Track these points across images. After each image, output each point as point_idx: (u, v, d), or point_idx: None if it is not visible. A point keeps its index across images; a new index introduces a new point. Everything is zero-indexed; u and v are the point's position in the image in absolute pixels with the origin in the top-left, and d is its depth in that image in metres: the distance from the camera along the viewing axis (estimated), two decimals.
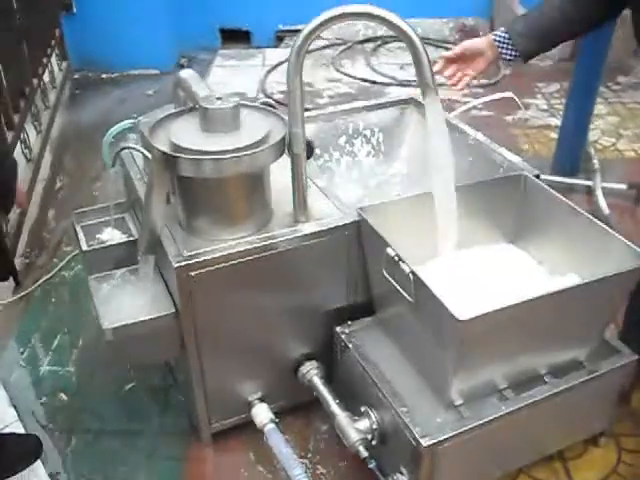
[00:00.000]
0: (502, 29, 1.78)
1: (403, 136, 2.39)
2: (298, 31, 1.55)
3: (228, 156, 1.55)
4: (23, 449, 1.90)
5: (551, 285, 1.65)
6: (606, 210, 2.92)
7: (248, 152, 1.56)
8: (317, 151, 2.27)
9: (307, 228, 1.71)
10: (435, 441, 1.52)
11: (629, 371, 1.80)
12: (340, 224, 1.73)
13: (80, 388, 2.18)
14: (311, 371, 1.90)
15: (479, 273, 1.79)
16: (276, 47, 4.92)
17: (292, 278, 1.75)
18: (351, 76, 4.31)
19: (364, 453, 1.70)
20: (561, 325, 1.58)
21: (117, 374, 2.19)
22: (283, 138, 1.63)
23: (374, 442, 1.72)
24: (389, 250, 1.57)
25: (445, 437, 1.53)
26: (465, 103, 3.42)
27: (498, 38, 1.77)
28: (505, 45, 1.77)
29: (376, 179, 2.35)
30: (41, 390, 2.17)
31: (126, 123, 1.93)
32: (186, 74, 1.82)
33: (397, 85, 4.17)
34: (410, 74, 4.13)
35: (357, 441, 1.70)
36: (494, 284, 1.74)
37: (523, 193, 1.90)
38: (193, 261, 1.61)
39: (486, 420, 1.57)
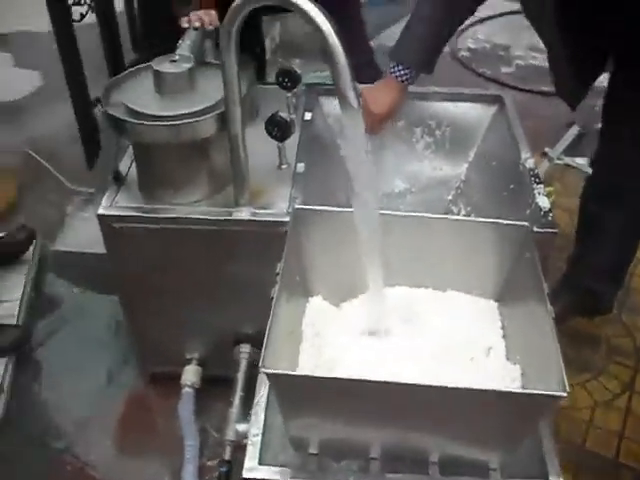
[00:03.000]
0: (399, 67, 1.77)
1: (475, 137, 2.07)
2: None
3: (154, 123, 1.49)
4: None
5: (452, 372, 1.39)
6: None
7: (174, 122, 1.49)
8: None
9: (237, 213, 1.60)
10: (252, 477, 1.40)
11: None
12: (276, 219, 1.59)
13: None
14: (242, 353, 1.83)
15: (407, 320, 1.55)
16: None
17: (220, 258, 1.67)
18: None
19: (226, 455, 1.63)
20: (439, 419, 1.31)
21: None
22: None
23: None
24: (278, 265, 1.42)
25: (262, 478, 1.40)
26: None
27: (404, 77, 1.78)
28: (411, 78, 1.79)
29: (426, 177, 2.10)
30: None
31: None
32: None
33: None
34: None
35: (228, 440, 1.64)
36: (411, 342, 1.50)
37: (520, 250, 1.56)
38: (115, 213, 1.62)
39: None
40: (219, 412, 1.92)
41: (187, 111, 1.50)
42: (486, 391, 1.21)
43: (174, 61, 1.54)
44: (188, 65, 1.53)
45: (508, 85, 3.27)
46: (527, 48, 3.74)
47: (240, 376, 1.79)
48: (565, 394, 1.18)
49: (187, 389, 1.87)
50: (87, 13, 2.59)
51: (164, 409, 1.96)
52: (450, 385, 1.19)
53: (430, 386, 1.19)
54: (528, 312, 1.47)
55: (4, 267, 2.27)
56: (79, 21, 2.53)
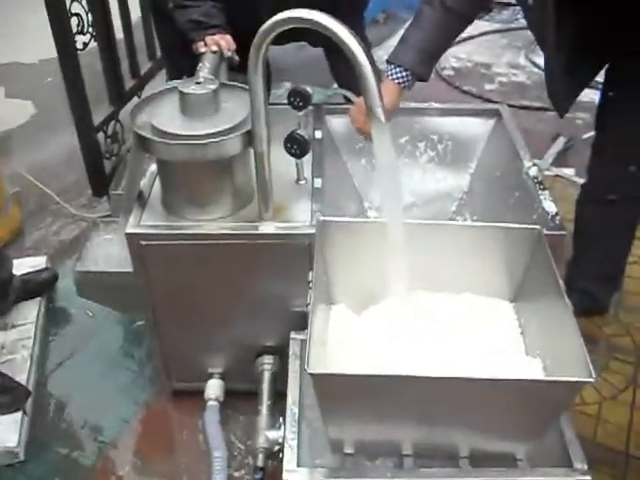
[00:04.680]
0: (396, 69, 1.81)
1: (476, 149, 2.17)
2: None
3: (183, 142, 1.55)
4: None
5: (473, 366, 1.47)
6: None
7: (201, 141, 1.55)
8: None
9: (263, 227, 1.67)
10: (292, 479, 1.45)
11: None
12: (300, 232, 1.66)
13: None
14: (265, 365, 1.89)
15: (428, 322, 1.62)
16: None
17: (245, 272, 1.73)
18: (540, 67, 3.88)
19: (259, 462, 1.68)
20: (467, 412, 1.38)
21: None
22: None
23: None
24: (310, 274, 1.48)
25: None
26: None
27: (401, 79, 1.82)
28: (408, 82, 1.83)
29: (430, 190, 2.19)
30: None
31: None
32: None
33: None
34: None
35: (260, 448, 1.68)
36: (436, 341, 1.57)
37: (532, 252, 1.65)
38: (143, 231, 1.67)
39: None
40: (242, 424, 1.98)
41: (213, 130, 1.57)
42: (520, 380, 1.30)
43: (199, 83, 1.60)
44: (213, 86, 1.60)
45: (493, 101, 3.39)
46: (508, 66, 3.87)
47: (265, 386, 1.84)
48: (592, 379, 1.27)
49: (212, 402, 1.91)
50: (90, 41, 2.66)
51: (187, 424, 2.00)
52: (484, 377, 1.28)
53: (463, 378, 1.27)
54: (545, 309, 1.56)
55: None
56: (83, 49, 2.60)
